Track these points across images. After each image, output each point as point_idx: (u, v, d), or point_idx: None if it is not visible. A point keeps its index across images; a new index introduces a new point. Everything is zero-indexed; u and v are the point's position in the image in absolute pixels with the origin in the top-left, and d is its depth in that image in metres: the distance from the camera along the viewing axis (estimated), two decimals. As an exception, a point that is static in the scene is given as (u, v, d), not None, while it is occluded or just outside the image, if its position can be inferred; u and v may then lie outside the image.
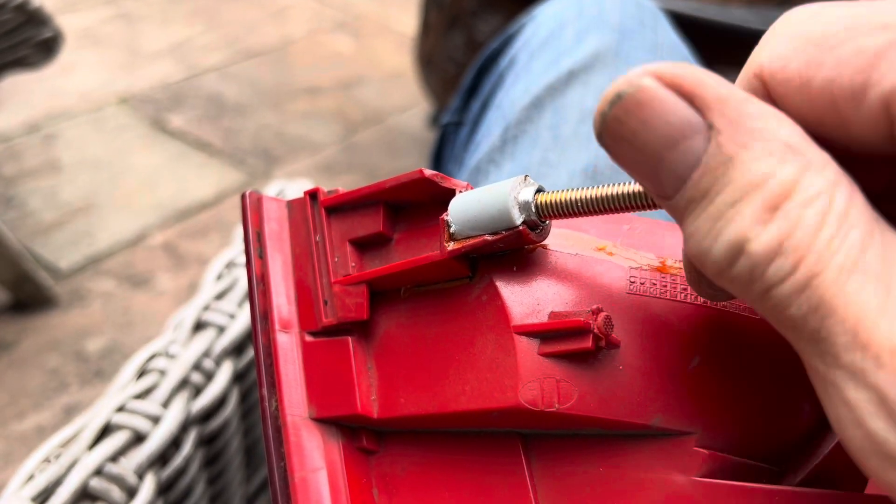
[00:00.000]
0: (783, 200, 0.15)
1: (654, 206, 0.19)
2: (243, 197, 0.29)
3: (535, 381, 0.21)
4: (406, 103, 1.72)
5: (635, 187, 0.19)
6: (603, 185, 0.20)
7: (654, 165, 0.16)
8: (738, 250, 0.15)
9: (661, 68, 0.16)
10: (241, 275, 0.48)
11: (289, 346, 0.27)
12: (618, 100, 0.16)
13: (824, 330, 0.14)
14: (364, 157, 1.54)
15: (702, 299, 0.22)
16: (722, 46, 0.77)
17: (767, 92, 0.17)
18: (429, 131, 1.59)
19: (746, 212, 0.15)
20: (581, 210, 0.20)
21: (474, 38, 1.24)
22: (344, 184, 1.10)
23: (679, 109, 0.16)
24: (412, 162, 1.53)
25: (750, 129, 0.15)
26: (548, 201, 0.21)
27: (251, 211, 0.29)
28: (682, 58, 0.50)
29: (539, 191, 0.21)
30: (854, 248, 0.14)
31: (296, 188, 0.56)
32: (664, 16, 0.53)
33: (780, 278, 0.15)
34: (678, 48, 0.50)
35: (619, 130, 0.17)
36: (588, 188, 0.20)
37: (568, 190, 0.21)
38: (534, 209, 0.21)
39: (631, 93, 0.16)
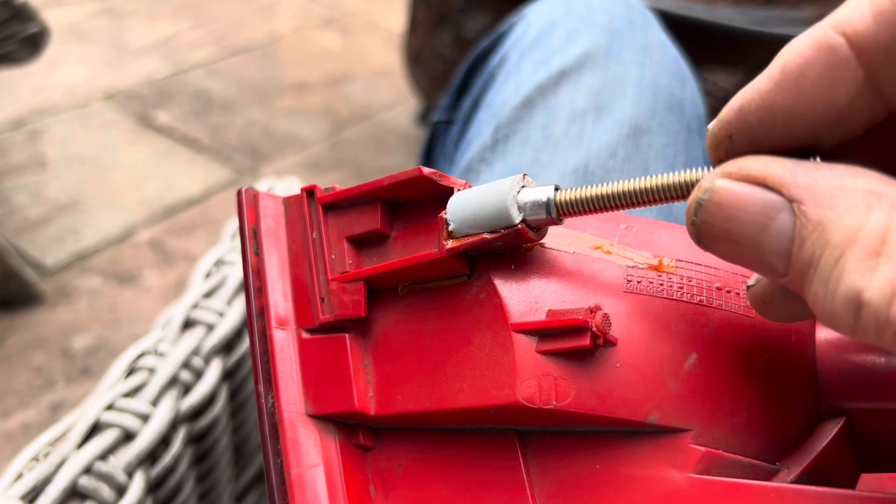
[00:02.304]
0: (881, 244, 0.15)
1: (677, 199, 0.20)
2: (239, 193, 0.29)
3: (532, 378, 0.21)
4: (394, 100, 1.72)
5: (652, 182, 0.20)
6: (621, 181, 0.20)
7: (757, 253, 0.17)
8: (856, 304, 0.15)
9: (727, 166, 0.18)
10: (230, 272, 0.48)
11: (285, 342, 0.27)
12: (699, 207, 0.18)
13: None
14: (352, 154, 1.53)
15: (698, 298, 0.22)
16: (708, 45, 0.78)
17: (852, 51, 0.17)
18: (417, 128, 1.58)
19: (851, 266, 0.15)
20: (602, 206, 0.21)
21: (462, 35, 1.24)
22: (332, 181, 1.09)
23: (757, 196, 0.17)
24: (400, 159, 1.53)
25: (828, 189, 0.16)
26: (568, 199, 0.21)
27: (247, 207, 0.29)
28: (671, 58, 0.50)
29: (556, 189, 0.21)
30: None
31: (285, 186, 0.55)
32: (653, 15, 0.54)
33: None
34: (667, 48, 0.51)
35: (712, 232, 0.18)
36: (607, 184, 0.20)
37: (586, 187, 0.21)
38: (554, 208, 0.21)
39: (708, 198, 0.18)
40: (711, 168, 0.19)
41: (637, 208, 0.20)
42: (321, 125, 1.62)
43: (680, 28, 0.71)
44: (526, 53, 0.50)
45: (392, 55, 1.81)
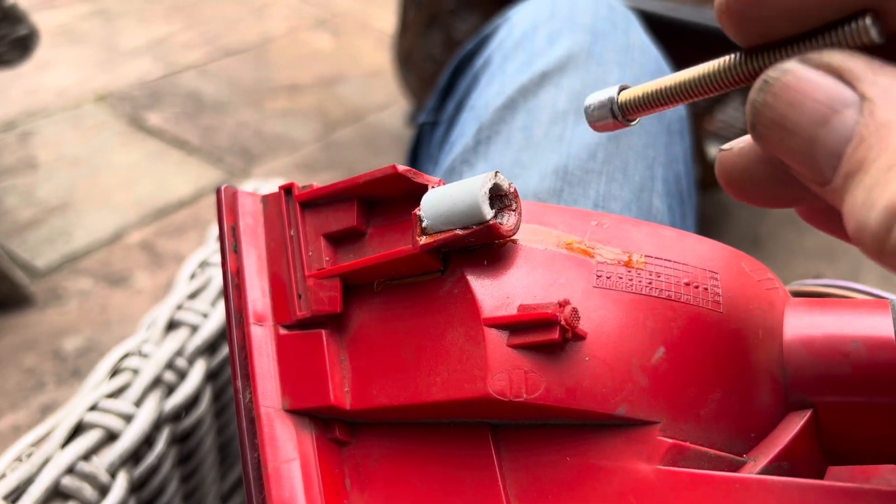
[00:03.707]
0: None
1: (730, 86, 0.19)
2: (218, 192, 0.29)
3: (503, 371, 0.22)
4: (386, 101, 1.72)
5: (711, 66, 0.19)
6: (685, 71, 0.20)
7: (809, 147, 0.16)
8: (894, 215, 0.14)
9: (809, 54, 0.16)
10: (215, 274, 0.48)
11: (263, 339, 0.27)
12: (766, 86, 0.17)
13: None
14: (343, 156, 1.54)
15: (666, 293, 0.23)
16: (696, 47, 0.78)
17: None
18: (408, 129, 1.59)
19: None
20: (666, 99, 0.20)
21: (452, 36, 1.25)
22: (323, 182, 1.09)
23: (827, 85, 0.16)
24: (391, 160, 1.52)
25: None
26: (632, 97, 0.21)
27: (226, 206, 0.29)
28: (653, 60, 0.50)
29: (623, 89, 0.21)
30: None
31: (271, 187, 0.56)
32: (636, 18, 0.54)
33: None
34: (649, 49, 0.51)
35: (770, 116, 0.17)
36: (668, 77, 0.20)
37: (649, 83, 0.21)
38: (618, 107, 0.21)
39: (777, 76, 0.17)
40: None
41: (698, 99, 0.20)
42: (313, 126, 1.62)
43: (668, 29, 0.71)
44: (509, 55, 0.50)
45: (384, 56, 1.81)
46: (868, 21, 0.16)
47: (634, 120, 0.22)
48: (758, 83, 0.17)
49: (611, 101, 0.21)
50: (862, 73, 0.16)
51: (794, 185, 0.19)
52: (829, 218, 0.21)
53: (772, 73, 0.17)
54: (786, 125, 0.16)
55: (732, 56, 0.19)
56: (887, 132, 0.15)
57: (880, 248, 0.15)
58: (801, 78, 0.16)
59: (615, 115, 0.21)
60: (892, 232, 0.14)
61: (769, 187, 0.20)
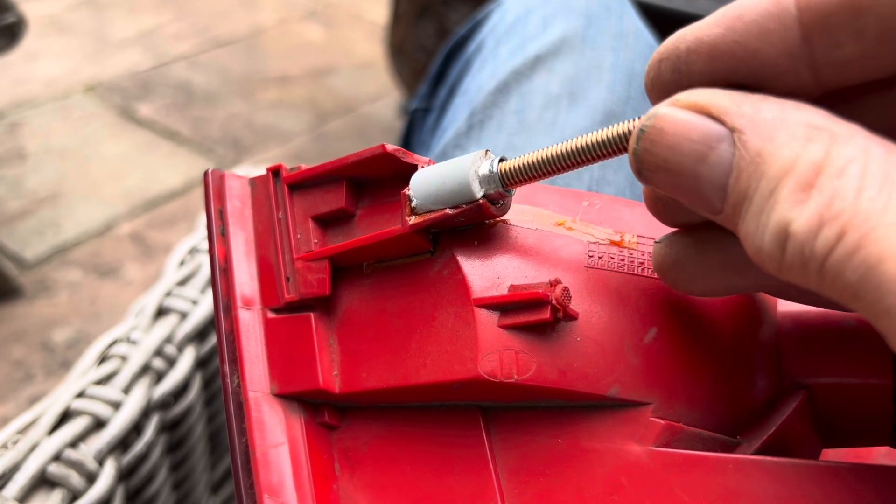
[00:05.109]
0: (815, 177, 0.15)
1: (607, 156, 0.20)
2: (206, 175, 0.29)
3: (494, 352, 0.21)
4: (377, 93, 1.72)
5: (588, 139, 0.20)
6: (559, 144, 0.20)
7: (694, 183, 0.17)
8: (783, 236, 0.15)
9: (678, 96, 0.17)
10: (205, 261, 0.47)
11: (251, 322, 0.26)
12: (642, 134, 0.17)
13: (886, 284, 0.14)
14: (335, 147, 1.53)
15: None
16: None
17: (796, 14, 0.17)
18: (400, 121, 1.58)
19: (783, 197, 0.15)
20: (543, 171, 0.21)
21: (445, 26, 1.24)
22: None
23: (699, 124, 0.17)
24: (383, 152, 1.52)
25: (771, 121, 0.16)
26: (510, 168, 0.21)
27: (213, 189, 0.28)
28: (646, 45, 0.50)
29: (501, 160, 0.22)
30: None
31: (260, 172, 0.55)
32: (630, 3, 0.54)
33: (829, 248, 0.14)
34: (643, 35, 0.51)
35: (651, 161, 0.17)
36: (545, 149, 0.20)
37: (527, 154, 0.21)
38: (498, 179, 0.21)
39: (651, 124, 0.17)
40: None
41: (581, 167, 0.20)
42: (304, 118, 1.61)
43: (660, 18, 0.71)
44: (502, 39, 0.50)
45: (376, 47, 1.81)
46: None
47: (514, 190, 0.22)
48: (635, 132, 0.18)
49: (491, 173, 0.21)
50: (728, 106, 0.16)
51: (724, 274, 0.20)
52: (780, 292, 0.22)
53: (646, 120, 0.17)
54: (668, 167, 0.17)
55: (617, 126, 0.19)
56: (761, 160, 0.16)
57: (778, 267, 0.15)
58: (673, 121, 0.17)
59: (495, 186, 0.21)
60: (786, 253, 0.15)
61: (700, 277, 0.20)
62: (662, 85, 0.19)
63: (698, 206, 0.17)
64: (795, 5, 0.17)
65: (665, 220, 0.21)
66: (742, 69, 0.17)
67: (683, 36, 0.18)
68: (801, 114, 0.16)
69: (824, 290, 0.15)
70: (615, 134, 0.19)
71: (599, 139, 0.19)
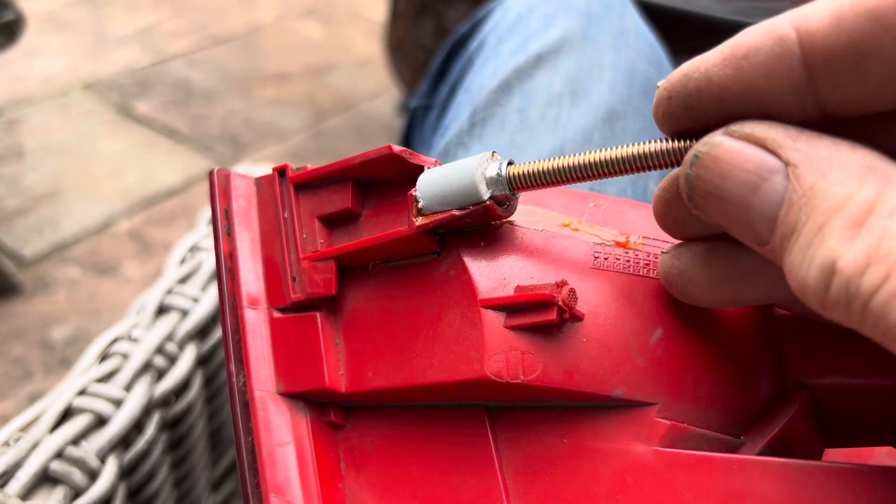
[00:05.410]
0: (866, 216, 0.15)
1: (617, 174, 0.20)
2: (211, 174, 0.29)
3: (500, 353, 0.22)
4: (376, 90, 1.72)
5: (602, 155, 0.20)
6: (571, 155, 0.20)
7: (745, 213, 0.17)
8: (829, 272, 0.15)
9: (733, 126, 0.18)
10: (205, 258, 0.47)
11: (257, 322, 0.26)
12: (696, 160, 0.18)
13: None
14: (333, 145, 1.53)
15: (664, 273, 0.22)
16: (687, 34, 0.78)
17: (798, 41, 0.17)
18: (399, 118, 1.58)
19: (832, 233, 0.15)
20: (551, 180, 0.21)
21: (443, 25, 1.24)
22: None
23: (754, 155, 0.17)
24: (382, 150, 1.52)
25: (826, 157, 0.16)
26: (519, 173, 0.21)
27: (219, 188, 0.28)
28: (647, 43, 0.50)
29: (510, 164, 0.22)
30: None
31: (261, 172, 0.55)
32: (630, 1, 0.54)
33: (875, 287, 0.14)
34: (644, 33, 0.51)
35: (703, 187, 0.18)
36: (556, 158, 0.21)
37: (537, 161, 0.21)
38: (506, 182, 0.21)
39: (706, 151, 0.18)
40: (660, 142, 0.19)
41: (589, 181, 0.21)
42: (303, 115, 1.61)
43: (659, 16, 0.71)
44: (504, 38, 0.50)
45: (374, 45, 1.80)
46: None
47: (520, 194, 0.22)
48: (688, 158, 0.18)
49: (501, 175, 0.22)
50: (783, 140, 0.17)
51: (731, 286, 0.20)
52: (787, 305, 0.23)
53: (700, 147, 0.18)
54: (720, 195, 0.18)
55: (654, 142, 0.19)
56: (813, 195, 0.16)
57: (821, 303, 0.16)
58: (729, 150, 0.17)
59: (502, 188, 0.22)
60: (831, 289, 0.15)
61: (707, 288, 0.21)
62: (675, 119, 0.19)
63: (746, 236, 0.18)
64: (799, 46, 0.17)
65: (673, 233, 0.22)
66: (752, 107, 0.18)
67: (690, 73, 0.18)
68: (856, 154, 0.16)
69: (866, 330, 0.15)
70: (633, 153, 0.19)
71: (610, 157, 0.20)
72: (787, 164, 0.16)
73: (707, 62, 0.18)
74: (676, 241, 0.22)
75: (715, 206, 0.18)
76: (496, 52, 0.49)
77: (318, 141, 1.53)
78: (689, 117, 0.19)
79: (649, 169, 0.20)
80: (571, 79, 0.45)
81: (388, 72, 1.49)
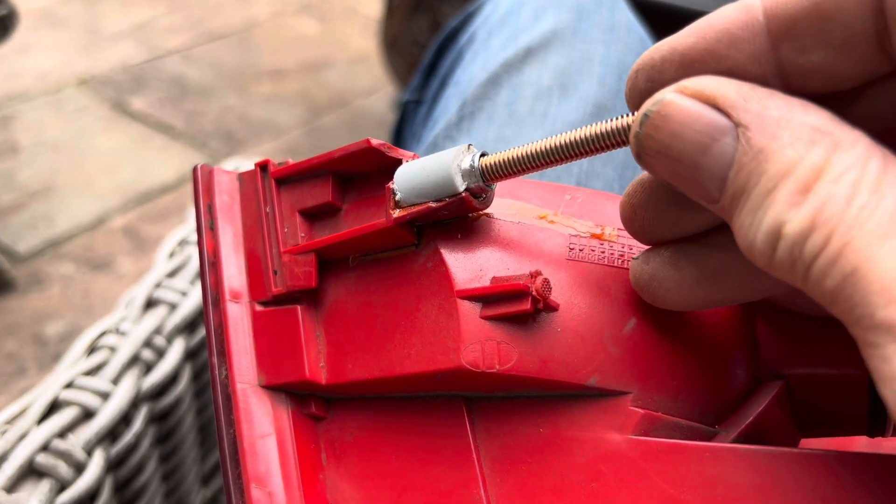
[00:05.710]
0: (814, 181, 0.15)
1: (587, 154, 0.20)
2: (195, 170, 0.29)
3: (476, 343, 0.22)
4: (372, 87, 1.72)
5: (568, 137, 0.20)
6: (539, 141, 0.21)
7: (694, 173, 0.17)
8: (776, 235, 0.15)
9: (684, 82, 0.17)
10: (194, 252, 0.48)
11: (239, 315, 0.27)
12: (646, 119, 0.17)
13: (857, 294, 0.14)
14: (329, 141, 1.53)
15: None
16: (677, 30, 0.78)
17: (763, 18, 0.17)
18: (394, 115, 1.58)
19: (780, 198, 0.15)
20: (522, 167, 0.21)
21: (438, 21, 1.24)
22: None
23: (705, 114, 0.17)
24: (377, 146, 1.52)
25: (776, 119, 0.16)
26: (491, 163, 0.21)
27: (202, 184, 0.29)
28: (637, 38, 0.50)
29: (482, 155, 0.22)
30: (887, 213, 0.14)
31: (250, 166, 0.55)
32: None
33: (816, 253, 0.15)
34: (634, 28, 0.51)
35: (653, 146, 0.17)
36: (526, 145, 0.21)
37: (507, 150, 0.21)
38: (479, 173, 0.22)
39: (656, 109, 0.17)
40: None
41: (563, 164, 0.21)
42: (298, 112, 1.61)
43: (650, 11, 0.71)
44: (494, 31, 0.50)
45: (370, 41, 1.80)
46: None
47: (491, 185, 0.22)
48: (638, 116, 0.18)
49: (473, 167, 0.22)
50: (735, 99, 0.16)
51: (701, 288, 0.20)
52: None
53: (650, 105, 0.17)
54: (670, 154, 0.17)
55: (617, 118, 0.19)
56: (763, 158, 0.16)
57: (768, 263, 0.16)
58: (678, 109, 0.17)
59: (476, 179, 0.22)
60: (776, 252, 0.15)
61: (677, 291, 0.21)
62: (639, 94, 0.19)
63: (695, 193, 0.18)
64: (763, 13, 0.17)
65: (640, 238, 0.22)
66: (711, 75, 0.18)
67: (659, 47, 0.19)
68: (808, 115, 0.16)
69: (808, 292, 0.15)
70: (595, 133, 0.19)
71: (577, 138, 0.20)
72: (737, 125, 0.16)
73: (677, 35, 0.18)
74: None
75: (664, 165, 0.18)
76: (486, 46, 0.49)
77: (313, 137, 1.54)
78: (651, 91, 0.19)
79: (618, 146, 0.20)
80: (561, 73, 0.45)
81: (383, 68, 1.49)
